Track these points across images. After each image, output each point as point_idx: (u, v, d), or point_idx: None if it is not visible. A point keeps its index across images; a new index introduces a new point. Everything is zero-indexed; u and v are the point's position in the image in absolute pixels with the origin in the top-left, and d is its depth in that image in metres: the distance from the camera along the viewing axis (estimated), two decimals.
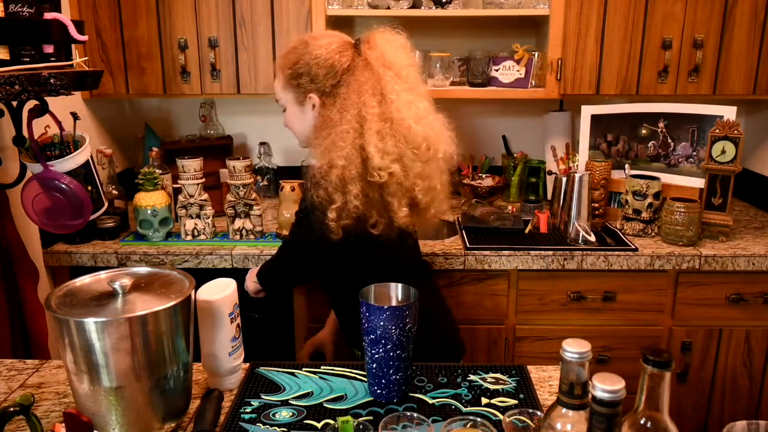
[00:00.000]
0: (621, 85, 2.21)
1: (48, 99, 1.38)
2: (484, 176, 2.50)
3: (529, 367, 1.27)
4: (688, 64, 2.17)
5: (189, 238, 2.06)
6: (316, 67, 1.44)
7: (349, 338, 1.63)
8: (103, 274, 1.08)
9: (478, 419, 0.93)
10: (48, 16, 1.26)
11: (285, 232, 2.06)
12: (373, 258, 1.46)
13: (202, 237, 2.07)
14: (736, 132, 2.02)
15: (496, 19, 2.43)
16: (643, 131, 2.28)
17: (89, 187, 1.55)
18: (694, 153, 2.20)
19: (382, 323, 1.09)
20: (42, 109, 1.42)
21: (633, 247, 2.00)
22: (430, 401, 1.14)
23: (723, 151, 2.03)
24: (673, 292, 2.02)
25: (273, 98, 2.56)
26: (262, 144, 2.57)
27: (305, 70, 1.44)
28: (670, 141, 2.24)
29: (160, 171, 2.11)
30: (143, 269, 1.11)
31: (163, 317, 0.97)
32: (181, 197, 2.05)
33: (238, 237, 2.07)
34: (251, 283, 1.70)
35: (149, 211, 2.01)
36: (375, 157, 1.34)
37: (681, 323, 2.04)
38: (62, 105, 1.58)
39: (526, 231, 2.15)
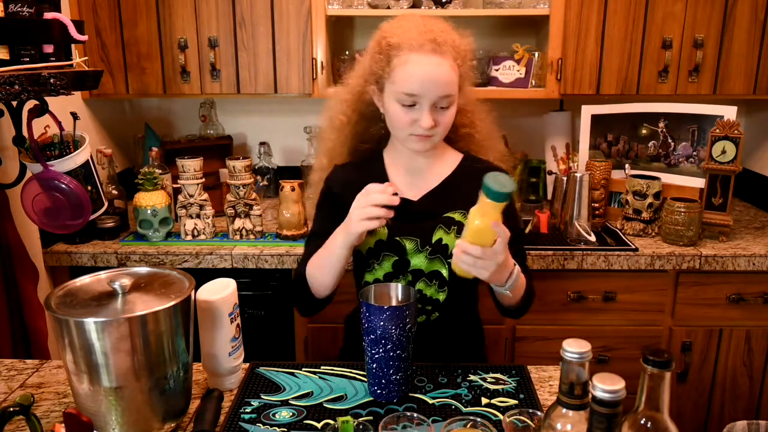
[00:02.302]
0: (621, 85, 2.21)
1: (48, 99, 1.37)
2: None
3: (529, 367, 1.27)
4: (689, 64, 2.17)
5: (189, 238, 2.06)
6: (472, 60, 1.32)
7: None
8: (103, 274, 1.08)
9: (478, 419, 0.93)
10: (48, 16, 1.26)
11: (285, 232, 2.06)
12: None
13: (202, 237, 2.07)
14: (736, 132, 2.01)
15: (496, 18, 2.43)
16: (643, 131, 2.28)
17: (89, 187, 1.55)
18: (695, 153, 2.20)
19: (382, 323, 1.09)
20: (42, 109, 1.42)
21: (633, 247, 2.00)
22: (430, 401, 1.14)
23: (723, 151, 2.03)
24: (674, 292, 2.02)
25: (273, 98, 2.58)
26: (262, 144, 2.57)
27: (470, 66, 1.31)
28: (670, 141, 2.24)
29: (160, 171, 2.11)
30: (143, 269, 1.11)
31: (163, 317, 0.97)
32: (181, 197, 2.05)
33: (238, 237, 2.07)
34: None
35: (149, 211, 2.01)
36: None
37: (681, 323, 2.04)
38: (62, 105, 1.58)
39: (526, 231, 2.15)
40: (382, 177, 1.36)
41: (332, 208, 1.37)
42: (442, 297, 1.33)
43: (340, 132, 1.41)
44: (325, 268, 1.29)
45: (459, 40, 1.27)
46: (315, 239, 1.37)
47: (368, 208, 1.18)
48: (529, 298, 1.34)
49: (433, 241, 1.30)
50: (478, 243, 1.10)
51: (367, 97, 1.34)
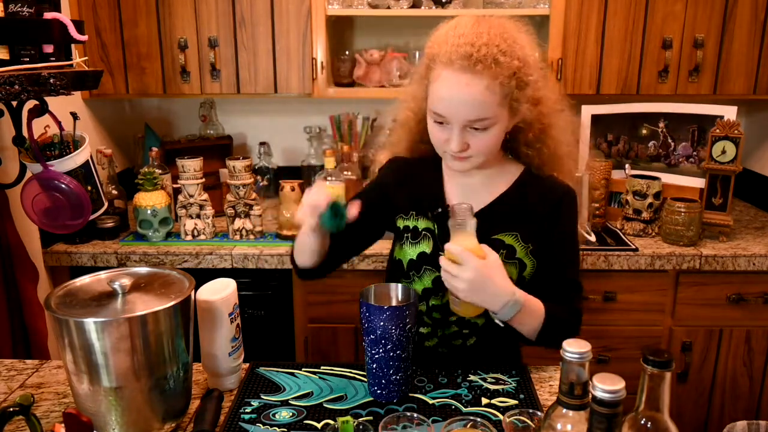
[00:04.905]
0: (621, 85, 2.21)
1: (48, 99, 1.37)
2: None
3: (529, 367, 1.27)
4: (689, 64, 2.17)
5: (189, 238, 2.06)
6: (528, 71, 1.16)
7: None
8: (103, 274, 1.08)
9: (478, 419, 0.93)
10: (48, 16, 1.26)
11: (285, 232, 2.06)
12: None
13: (202, 237, 2.07)
14: (736, 132, 2.01)
15: None
16: (644, 131, 2.28)
17: (89, 187, 1.54)
18: (695, 153, 2.20)
19: (382, 323, 1.09)
20: (42, 109, 1.41)
21: (633, 247, 2.00)
22: (430, 401, 1.14)
23: (723, 151, 2.03)
24: (674, 292, 2.02)
25: (273, 98, 2.58)
26: (262, 144, 2.57)
27: (524, 81, 1.15)
28: (670, 141, 2.24)
29: (160, 171, 2.11)
30: (143, 269, 1.11)
31: (163, 317, 0.97)
32: (181, 197, 2.05)
33: (238, 237, 2.07)
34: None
35: (149, 211, 2.01)
36: None
37: (681, 323, 2.04)
38: (62, 105, 1.58)
39: None
40: (437, 182, 1.31)
41: (376, 193, 1.33)
42: (480, 321, 1.26)
43: (404, 126, 1.34)
44: (297, 250, 1.25)
45: (509, 54, 1.11)
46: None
47: (304, 205, 1.11)
48: (558, 329, 1.18)
49: None
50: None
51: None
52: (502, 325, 1.15)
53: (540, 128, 1.24)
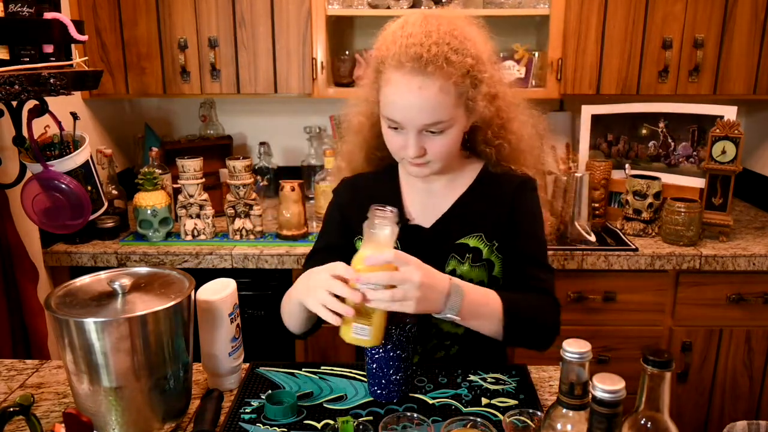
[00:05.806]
0: (621, 85, 2.21)
1: (48, 99, 1.37)
2: None
3: (529, 367, 1.27)
4: (689, 64, 2.17)
5: (189, 238, 2.06)
6: (482, 68, 1.13)
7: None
8: (103, 274, 1.08)
9: (478, 419, 0.93)
10: (48, 16, 1.26)
11: (285, 232, 2.06)
12: None
13: (202, 237, 2.07)
14: (736, 132, 2.01)
15: (496, 18, 2.43)
16: (644, 131, 2.28)
17: (89, 187, 1.54)
18: (695, 153, 2.20)
19: None
20: (42, 109, 1.41)
21: (633, 247, 2.00)
22: (430, 401, 1.14)
23: (723, 151, 2.03)
24: (674, 292, 2.02)
25: (273, 98, 2.58)
26: (262, 144, 2.57)
27: (479, 78, 1.12)
28: (670, 141, 2.24)
29: (160, 171, 2.11)
30: (143, 269, 1.11)
31: (163, 317, 0.97)
32: (181, 197, 2.05)
33: (238, 237, 2.07)
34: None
35: (149, 211, 2.01)
36: None
37: (681, 323, 2.04)
38: (62, 105, 1.58)
39: None
40: (394, 193, 1.27)
41: (338, 223, 1.30)
42: (460, 330, 1.24)
43: (358, 134, 1.29)
44: (285, 315, 1.25)
45: (460, 52, 1.07)
46: (316, 256, 1.29)
47: (329, 297, 1.00)
48: (527, 318, 1.14)
49: (446, 273, 1.11)
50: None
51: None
52: (458, 319, 1.06)
53: (500, 124, 1.20)
